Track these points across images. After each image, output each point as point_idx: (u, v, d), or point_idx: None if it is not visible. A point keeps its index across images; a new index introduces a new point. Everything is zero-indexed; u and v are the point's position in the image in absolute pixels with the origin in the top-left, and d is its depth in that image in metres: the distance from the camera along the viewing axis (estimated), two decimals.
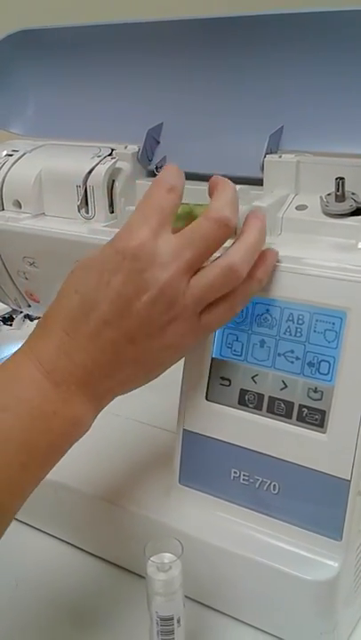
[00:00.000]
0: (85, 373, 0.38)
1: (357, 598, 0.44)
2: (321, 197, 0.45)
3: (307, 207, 0.46)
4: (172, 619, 0.40)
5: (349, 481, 0.40)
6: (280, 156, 0.48)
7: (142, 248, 0.37)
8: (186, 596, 0.41)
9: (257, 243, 0.40)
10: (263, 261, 0.41)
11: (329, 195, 0.45)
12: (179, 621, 0.40)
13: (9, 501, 0.37)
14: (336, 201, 0.44)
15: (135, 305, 0.37)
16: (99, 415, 0.62)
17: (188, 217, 0.42)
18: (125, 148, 0.54)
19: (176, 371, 0.46)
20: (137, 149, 0.54)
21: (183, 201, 0.51)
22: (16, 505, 0.37)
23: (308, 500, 0.42)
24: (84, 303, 0.38)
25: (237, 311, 0.41)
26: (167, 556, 0.40)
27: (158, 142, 0.55)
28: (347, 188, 0.44)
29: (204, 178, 0.52)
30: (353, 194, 0.45)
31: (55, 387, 0.37)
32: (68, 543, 0.53)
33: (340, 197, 0.44)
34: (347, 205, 0.44)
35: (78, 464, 0.53)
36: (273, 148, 0.49)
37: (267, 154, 0.49)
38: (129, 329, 0.38)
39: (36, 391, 0.37)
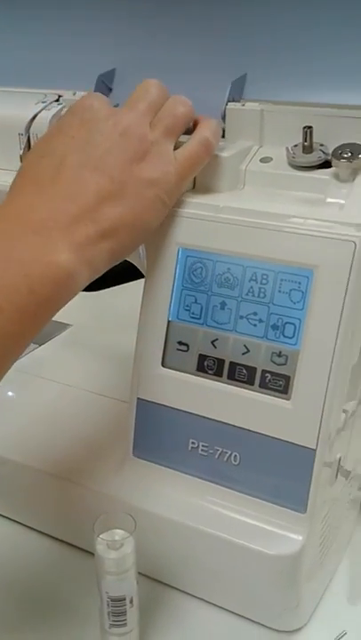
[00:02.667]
0: (67, 217, 0.37)
1: (321, 572, 0.43)
2: (287, 148, 0.42)
3: (272, 159, 0.43)
4: (123, 599, 0.38)
5: (315, 450, 0.39)
6: (243, 105, 0.45)
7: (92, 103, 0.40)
8: (140, 574, 0.39)
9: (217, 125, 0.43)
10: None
11: (296, 146, 0.42)
12: (131, 602, 0.39)
13: None
14: (303, 152, 0.42)
15: (102, 143, 0.38)
16: (48, 386, 0.58)
17: None
18: (74, 94, 0.50)
19: (131, 339, 0.44)
20: None
21: None
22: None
23: (270, 470, 0.40)
24: (51, 160, 0.38)
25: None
26: (119, 533, 0.38)
27: (111, 89, 0.52)
28: (315, 139, 0.42)
29: None
30: (321, 145, 0.42)
31: (34, 234, 0.36)
32: (14, 520, 0.51)
33: (308, 148, 0.42)
34: (315, 157, 0.41)
35: (25, 436, 0.51)
36: (235, 97, 0.46)
37: (228, 102, 0.45)
38: (104, 165, 0.38)
39: (12, 242, 0.36)
